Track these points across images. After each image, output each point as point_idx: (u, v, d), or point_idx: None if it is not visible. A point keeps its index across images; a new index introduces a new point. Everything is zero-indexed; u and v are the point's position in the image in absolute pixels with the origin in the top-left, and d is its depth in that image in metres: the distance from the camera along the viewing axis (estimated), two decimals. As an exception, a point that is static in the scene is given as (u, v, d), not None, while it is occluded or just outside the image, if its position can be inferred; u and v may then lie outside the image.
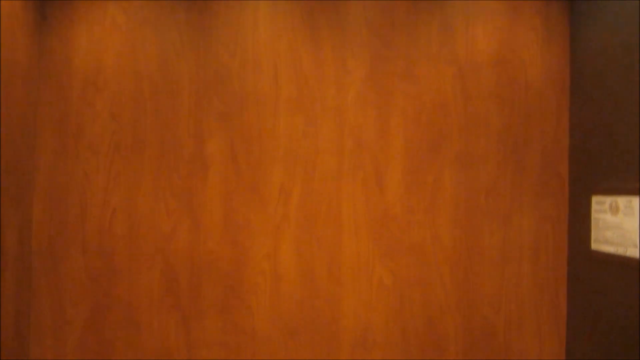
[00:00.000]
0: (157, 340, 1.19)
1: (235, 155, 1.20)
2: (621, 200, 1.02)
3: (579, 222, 1.17)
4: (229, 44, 1.21)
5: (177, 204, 1.20)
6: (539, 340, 1.21)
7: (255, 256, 1.19)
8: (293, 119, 1.21)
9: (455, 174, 1.21)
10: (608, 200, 1.06)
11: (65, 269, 1.19)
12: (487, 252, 1.20)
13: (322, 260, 1.19)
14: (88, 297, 1.19)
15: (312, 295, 1.19)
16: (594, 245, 1.10)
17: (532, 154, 1.21)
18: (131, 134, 1.20)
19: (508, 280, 1.20)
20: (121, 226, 1.20)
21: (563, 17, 1.22)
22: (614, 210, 1.04)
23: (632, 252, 0.98)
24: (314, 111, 1.21)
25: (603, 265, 1.07)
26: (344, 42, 1.21)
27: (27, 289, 1.18)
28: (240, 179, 1.20)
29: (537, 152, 1.21)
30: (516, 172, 1.21)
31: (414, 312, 1.19)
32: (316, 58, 1.21)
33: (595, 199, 1.11)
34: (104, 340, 1.19)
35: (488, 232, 1.20)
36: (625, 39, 1.02)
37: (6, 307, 1.08)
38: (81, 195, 1.21)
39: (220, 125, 1.20)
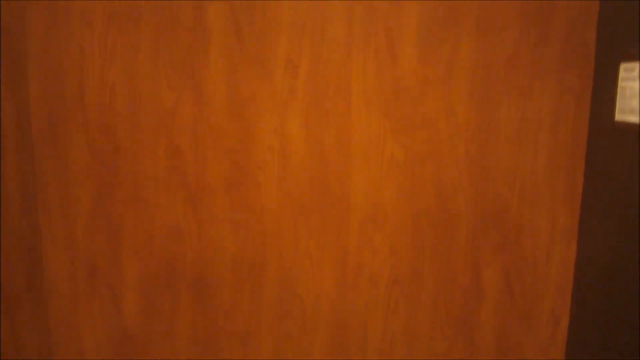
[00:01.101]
0: (165, 218, 1.18)
1: (238, 23, 1.12)
2: (653, 65, 0.95)
3: (604, 92, 1.10)
4: None
5: (179, 77, 1.14)
6: (552, 218, 1.19)
7: (262, 132, 1.15)
8: (299, -17, 1.11)
9: (473, 42, 1.13)
10: (638, 66, 0.99)
11: (68, 148, 1.16)
12: (504, 127, 1.15)
13: (331, 136, 1.15)
14: (93, 175, 1.17)
15: (322, 171, 1.16)
16: (619, 116, 1.04)
17: (557, 20, 1.12)
18: (125, 2, 1.12)
19: (524, 156, 1.16)
20: (121, 102, 1.15)
21: None
22: (644, 76, 0.98)
23: (660, 120, 0.93)
24: (322, -25, 1.11)
25: (626, 137, 1.02)
26: None
27: (31, 171, 1.16)
28: (244, 50, 1.13)
29: (563, 18, 1.12)
30: (539, 40, 1.13)
31: (425, 189, 1.17)
32: None
33: (623, 66, 1.04)
34: (113, 219, 1.19)
35: (506, 105, 1.14)
36: None
37: (10, 188, 1.06)
38: (78, 72, 1.15)
39: (220, -9, 1.12)
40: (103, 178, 1.17)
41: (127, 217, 1.19)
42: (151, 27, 1.13)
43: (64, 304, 1.22)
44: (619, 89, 1.06)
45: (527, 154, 1.16)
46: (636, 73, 1.00)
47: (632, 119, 1.01)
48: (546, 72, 1.14)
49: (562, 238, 1.19)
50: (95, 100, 1.15)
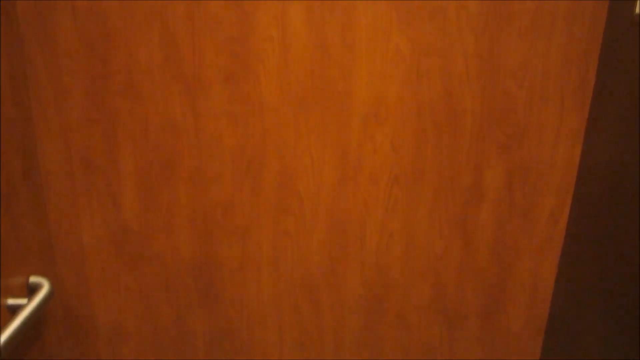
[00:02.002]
0: (161, 111, 1.15)
1: None
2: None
3: (627, -18, 1.03)
4: None
5: (172, -43, 1.06)
6: (560, 118, 1.15)
7: (262, 20, 1.09)
8: None
9: None
10: (667, -49, 0.92)
11: (56, 36, 1.10)
12: (516, 20, 1.09)
13: (334, 26, 1.09)
14: (84, 65, 1.12)
15: (324, 64, 1.11)
16: (640, 8, 0.98)
17: None
18: None
19: (536, 52, 1.11)
20: (111, -16, 1.08)
21: None
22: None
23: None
24: None
25: (646, 30, 0.97)
26: None
27: (20, 60, 1.11)
28: None
29: None
30: None
31: (430, 84, 1.12)
32: None
33: (651, -48, 0.96)
34: (107, 111, 1.15)
35: (521, -5, 1.07)
36: None
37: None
38: (64, -48, 1.07)
39: None
40: (95, 68, 1.12)
41: (121, 112, 1.15)
42: None
43: (61, 199, 1.21)
44: (643, -22, 0.99)
45: (539, 50, 1.11)
46: (664, -41, 0.93)
47: (654, 11, 0.95)
48: (566, -41, 1.06)
49: (568, 139, 1.17)
50: (84, -17, 1.08)
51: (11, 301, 1.07)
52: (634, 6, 1.01)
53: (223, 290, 1.28)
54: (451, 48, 1.10)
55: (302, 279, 1.28)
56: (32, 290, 1.14)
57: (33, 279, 1.15)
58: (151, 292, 1.29)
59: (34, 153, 1.16)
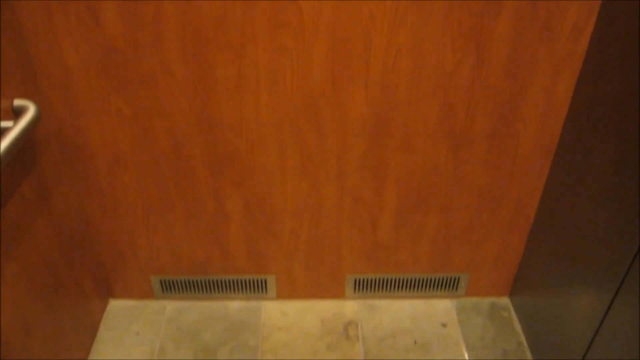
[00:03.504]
0: None
1: None
2: None
3: None
4: None
5: None
6: None
7: None
8: None
9: None
10: None
11: None
12: None
13: None
14: None
15: None
16: None
17: None
18: None
19: None
20: None
21: None
22: None
23: None
24: None
25: None
26: None
27: None
28: None
29: None
30: None
31: None
32: None
33: None
34: None
35: None
36: None
37: None
38: None
39: None
40: None
41: None
42: None
43: (35, 17, 1.09)
44: None
45: None
46: None
47: None
48: None
49: None
50: None
51: (-4, 123, 1.03)
52: None
53: (220, 113, 1.22)
54: None
55: (303, 100, 1.21)
56: (18, 114, 1.08)
57: (18, 102, 1.08)
58: (146, 118, 1.23)
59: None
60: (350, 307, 1.63)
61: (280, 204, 1.39)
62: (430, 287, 1.62)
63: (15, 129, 1.00)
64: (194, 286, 1.60)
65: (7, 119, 1.06)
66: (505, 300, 1.66)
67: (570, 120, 1.25)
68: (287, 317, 1.60)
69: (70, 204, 1.34)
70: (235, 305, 1.63)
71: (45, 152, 1.22)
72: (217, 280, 1.59)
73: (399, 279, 1.60)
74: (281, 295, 1.63)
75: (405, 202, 1.40)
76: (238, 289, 1.61)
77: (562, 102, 1.23)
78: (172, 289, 1.61)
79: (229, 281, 1.59)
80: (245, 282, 1.59)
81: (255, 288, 1.61)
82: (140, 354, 1.49)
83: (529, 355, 1.49)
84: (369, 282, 1.60)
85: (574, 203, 1.24)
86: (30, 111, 1.07)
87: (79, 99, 1.20)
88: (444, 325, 1.58)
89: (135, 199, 1.38)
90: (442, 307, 1.64)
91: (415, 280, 1.60)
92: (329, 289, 1.62)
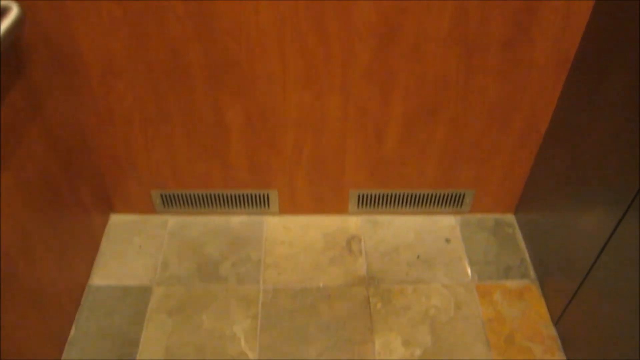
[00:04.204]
0: None
1: None
2: None
3: None
4: None
5: None
6: None
7: None
8: None
9: None
10: None
11: None
12: None
13: None
14: None
15: None
16: None
17: None
18: None
19: None
20: None
21: None
22: None
23: None
24: None
25: None
26: None
27: None
28: None
29: None
30: None
31: None
32: None
33: None
34: None
35: None
36: None
37: None
38: None
39: None
40: None
41: None
42: None
43: None
44: None
45: None
46: None
47: None
48: None
49: None
50: None
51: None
52: None
53: (218, 16, 1.14)
54: None
55: (306, 3, 1.12)
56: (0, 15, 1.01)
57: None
58: (139, 21, 1.16)
59: None
60: (353, 222, 1.62)
61: (283, 115, 1.34)
62: (434, 203, 1.60)
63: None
64: (195, 201, 1.58)
65: (-11, 16, 0.99)
66: (510, 217, 1.64)
67: (590, 28, 1.17)
68: (289, 231, 1.59)
69: (64, 114, 1.29)
70: (237, 220, 1.62)
71: (34, 58, 1.16)
72: (218, 195, 1.56)
73: (404, 195, 1.57)
74: (283, 211, 1.62)
75: (412, 114, 1.35)
76: (240, 204, 1.59)
77: (584, 7, 1.15)
78: (174, 204, 1.59)
79: (231, 196, 1.56)
80: (247, 196, 1.57)
81: (258, 203, 1.59)
82: (143, 268, 1.49)
83: (532, 271, 1.49)
84: (373, 197, 1.58)
85: (588, 119, 1.18)
86: (14, 12, 1.00)
87: (66, 0, 1.12)
88: (447, 240, 1.57)
89: (131, 110, 1.33)
90: (446, 223, 1.62)
91: (419, 196, 1.58)
92: (332, 205, 1.60)
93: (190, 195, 1.56)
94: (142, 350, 1.31)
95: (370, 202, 1.59)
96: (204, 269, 1.48)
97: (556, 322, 1.36)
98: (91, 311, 1.39)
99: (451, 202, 1.60)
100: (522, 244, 1.56)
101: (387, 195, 1.57)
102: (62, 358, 1.29)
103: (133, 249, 1.54)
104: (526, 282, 1.47)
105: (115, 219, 1.62)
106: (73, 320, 1.36)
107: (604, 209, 1.12)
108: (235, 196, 1.57)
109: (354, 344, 1.32)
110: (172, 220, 1.62)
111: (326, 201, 1.59)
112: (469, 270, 1.49)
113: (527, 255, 1.53)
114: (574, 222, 1.26)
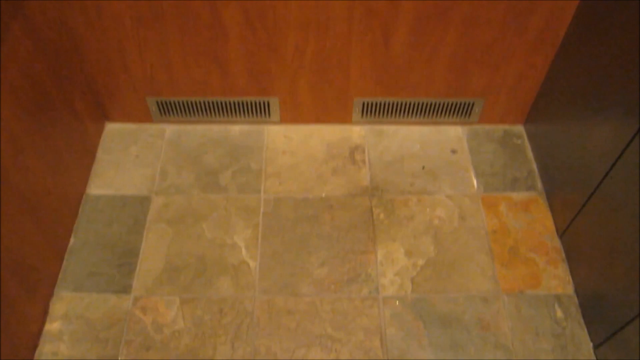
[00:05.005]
0: None
1: None
2: None
3: None
4: None
5: None
6: None
7: None
8: None
9: None
10: None
11: None
12: None
13: None
14: None
15: None
16: None
17: None
18: None
19: None
20: None
21: None
22: None
23: None
24: None
25: None
26: None
27: None
28: None
29: None
30: None
31: None
32: None
33: None
34: None
35: None
36: None
37: None
38: None
39: None
40: None
41: None
42: None
43: None
44: None
45: None
46: None
47: None
48: None
49: None
50: None
51: None
52: None
53: None
54: None
55: None
56: None
57: None
58: None
59: None
60: (357, 132, 1.56)
61: (283, 14, 1.25)
62: (442, 112, 1.54)
63: None
64: (193, 109, 1.52)
65: None
66: (519, 128, 1.59)
67: None
68: (291, 141, 1.54)
69: (49, 12, 1.20)
70: (237, 129, 1.57)
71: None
72: (217, 103, 1.50)
73: (410, 103, 1.51)
74: (285, 120, 1.56)
75: (422, 15, 1.25)
76: (239, 112, 1.53)
77: None
78: (171, 112, 1.53)
79: (230, 103, 1.50)
80: (247, 104, 1.50)
81: (258, 111, 1.52)
82: (141, 177, 1.46)
83: (539, 183, 1.45)
84: (378, 106, 1.51)
85: (610, 25, 1.09)
86: None
87: None
88: (453, 151, 1.52)
89: (121, 8, 1.24)
90: (452, 133, 1.57)
91: (426, 105, 1.51)
92: (335, 113, 1.54)
93: (187, 103, 1.50)
94: (142, 259, 1.30)
95: (375, 111, 1.53)
96: (204, 179, 1.45)
97: (561, 235, 1.34)
98: (90, 221, 1.37)
99: (459, 111, 1.53)
100: (530, 155, 1.52)
101: (393, 104, 1.51)
102: (63, 266, 1.28)
103: (130, 158, 1.50)
104: (533, 194, 1.43)
105: (111, 127, 1.57)
106: (72, 229, 1.34)
107: (618, 123, 1.06)
108: (234, 104, 1.50)
109: (356, 253, 1.31)
110: (170, 129, 1.56)
111: (329, 110, 1.52)
112: (474, 182, 1.46)
113: (535, 167, 1.49)
114: (586, 134, 1.20)
